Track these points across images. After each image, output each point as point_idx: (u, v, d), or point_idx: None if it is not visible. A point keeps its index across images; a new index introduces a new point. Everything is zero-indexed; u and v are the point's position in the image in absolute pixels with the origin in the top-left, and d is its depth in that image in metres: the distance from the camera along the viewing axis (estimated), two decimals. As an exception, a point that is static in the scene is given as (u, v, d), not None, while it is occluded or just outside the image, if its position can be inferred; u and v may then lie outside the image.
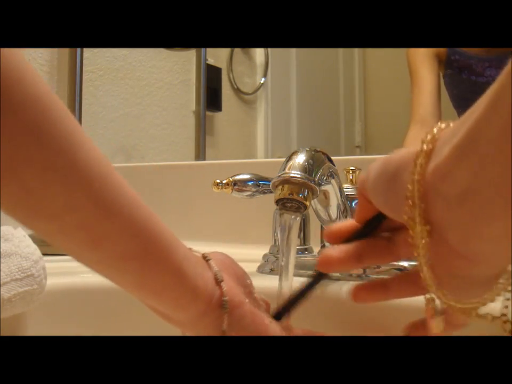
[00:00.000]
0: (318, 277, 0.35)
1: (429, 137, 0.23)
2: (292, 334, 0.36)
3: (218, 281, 0.33)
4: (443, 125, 0.23)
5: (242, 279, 0.37)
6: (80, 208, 0.27)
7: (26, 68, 0.25)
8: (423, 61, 0.80)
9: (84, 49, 0.96)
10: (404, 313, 0.36)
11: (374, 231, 0.32)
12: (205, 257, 0.34)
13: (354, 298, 0.32)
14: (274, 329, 0.34)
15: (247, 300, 0.34)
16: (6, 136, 0.24)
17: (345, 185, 0.53)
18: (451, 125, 0.23)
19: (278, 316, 0.36)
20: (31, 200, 0.26)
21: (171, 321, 0.34)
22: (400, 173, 0.25)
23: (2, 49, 0.24)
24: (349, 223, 0.33)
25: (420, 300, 0.29)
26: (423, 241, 0.24)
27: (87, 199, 0.27)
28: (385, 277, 0.33)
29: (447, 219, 0.22)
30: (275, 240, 0.58)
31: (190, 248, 0.34)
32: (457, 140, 0.21)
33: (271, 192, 0.56)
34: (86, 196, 0.27)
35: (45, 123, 0.25)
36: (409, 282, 0.32)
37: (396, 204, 0.26)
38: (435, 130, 0.23)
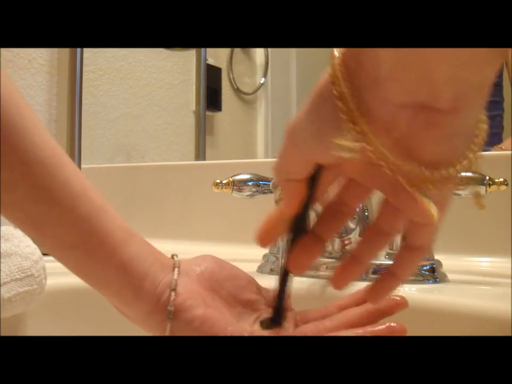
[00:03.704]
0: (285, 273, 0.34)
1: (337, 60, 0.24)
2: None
3: (170, 289, 0.33)
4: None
5: (221, 284, 0.36)
6: (17, 189, 0.30)
7: None
8: None
9: (84, 49, 0.96)
10: (405, 312, 0.36)
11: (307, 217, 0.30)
12: (174, 264, 0.35)
13: (336, 287, 0.31)
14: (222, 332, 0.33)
15: (203, 306, 0.33)
16: None
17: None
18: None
19: (274, 321, 0.34)
20: None
21: (123, 314, 0.35)
22: (325, 98, 0.24)
23: None
24: (275, 214, 0.32)
25: (420, 299, 0.29)
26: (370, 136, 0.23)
27: (23, 181, 0.30)
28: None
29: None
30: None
31: (174, 255, 0.36)
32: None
33: (271, 192, 0.56)
34: (22, 179, 0.30)
35: None
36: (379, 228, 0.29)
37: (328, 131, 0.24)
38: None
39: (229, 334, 0.32)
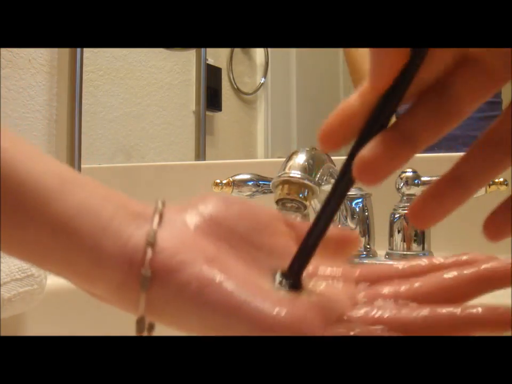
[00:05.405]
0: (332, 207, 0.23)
1: None
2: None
3: (146, 244, 0.23)
4: None
5: (231, 229, 0.25)
6: None
7: None
8: (364, 56, 0.80)
9: (84, 49, 0.96)
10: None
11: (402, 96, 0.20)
12: (154, 210, 0.24)
13: (419, 221, 0.22)
14: (244, 302, 0.22)
15: (201, 261, 0.23)
16: None
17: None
18: None
19: (291, 273, 0.24)
20: None
21: (96, 297, 0.26)
22: None
23: None
24: (347, 105, 0.22)
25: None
26: None
27: None
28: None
29: None
30: (275, 240, 0.58)
31: (158, 200, 0.26)
32: None
33: (271, 192, 0.56)
34: None
35: None
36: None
37: None
38: None
39: (252, 304, 0.22)
